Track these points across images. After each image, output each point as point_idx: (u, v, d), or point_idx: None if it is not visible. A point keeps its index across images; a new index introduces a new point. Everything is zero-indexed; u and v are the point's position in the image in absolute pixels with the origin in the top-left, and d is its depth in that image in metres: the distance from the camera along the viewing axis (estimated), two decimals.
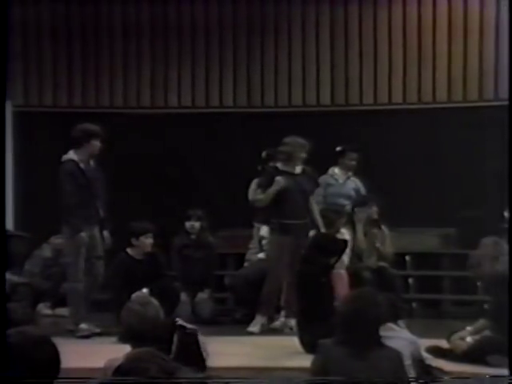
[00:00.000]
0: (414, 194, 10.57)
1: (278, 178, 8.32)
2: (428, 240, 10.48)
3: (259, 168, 9.60)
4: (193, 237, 9.43)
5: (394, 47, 11.01)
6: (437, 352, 6.81)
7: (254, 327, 8.37)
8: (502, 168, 10.36)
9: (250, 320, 8.85)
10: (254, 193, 8.65)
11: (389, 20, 11.00)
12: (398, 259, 9.64)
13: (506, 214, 10.33)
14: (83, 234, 8.06)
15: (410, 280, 9.95)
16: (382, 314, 4.69)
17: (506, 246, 7.22)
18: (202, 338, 4.34)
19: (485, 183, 10.48)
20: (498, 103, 10.55)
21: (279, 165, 8.46)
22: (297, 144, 8.41)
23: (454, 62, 10.85)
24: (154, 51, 11.34)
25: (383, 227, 9.31)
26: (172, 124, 11.12)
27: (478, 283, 9.40)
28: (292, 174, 8.45)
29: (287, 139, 8.47)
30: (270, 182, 8.35)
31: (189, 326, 4.41)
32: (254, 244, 9.51)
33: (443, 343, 7.08)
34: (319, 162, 8.87)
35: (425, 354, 6.38)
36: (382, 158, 10.38)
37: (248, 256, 9.52)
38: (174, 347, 4.37)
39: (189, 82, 11.33)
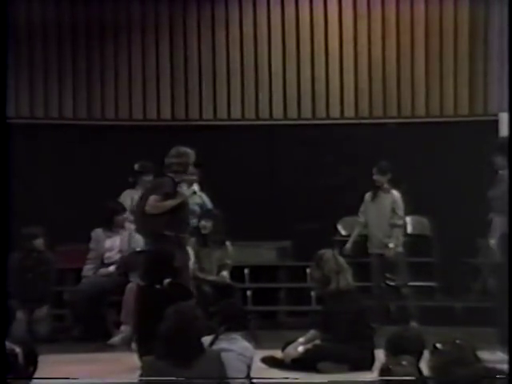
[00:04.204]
0: (250, 208, 10.79)
1: (182, 190, 8.18)
2: (265, 253, 10.72)
3: (130, 180, 9.60)
4: (33, 254, 9.28)
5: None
6: (271, 362, 7.02)
7: None
8: (336, 182, 10.79)
9: (89, 336, 8.81)
10: (152, 200, 8.12)
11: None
12: (238, 272, 9.82)
13: (340, 227, 10.75)
14: None
15: (249, 292, 10.14)
16: (200, 326, 4.98)
17: (342, 259, 7.50)
18: (21, 361, 4.34)
19: (319, 196, 10.83)
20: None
21: (172, 175, 8.16)
22: (190, 154, 8.23)
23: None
24: None
25: (226, 242, 9.46)
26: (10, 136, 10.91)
27: (313, 294, 9.72)
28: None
29: (180, 150, 8.19)
30: (173, 192, 8.08)
31: (9, 347, 4.38)
32: (91, 258, 9.42)
33: (279, 353, 7.27)
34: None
35: (260, 365, 6.58)
36: (220, 172, 10.54)
37: (85, 271, 9.42)
38: None
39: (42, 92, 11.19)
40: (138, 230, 8.64)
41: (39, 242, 9.30)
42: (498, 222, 7.48)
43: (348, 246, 9.56)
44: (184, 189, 8.16)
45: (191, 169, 8.32)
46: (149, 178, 9.64)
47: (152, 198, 8.06)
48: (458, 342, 4.24)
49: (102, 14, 11.17)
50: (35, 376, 4.44)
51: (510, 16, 8.60)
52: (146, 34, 11.25)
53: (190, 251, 8.88)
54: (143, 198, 8.23)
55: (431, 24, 11.00)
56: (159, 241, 7.91)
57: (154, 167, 9.66)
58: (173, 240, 7.98)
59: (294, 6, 11.11)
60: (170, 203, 8.01)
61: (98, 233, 9.48)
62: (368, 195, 9.66)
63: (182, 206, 8.11)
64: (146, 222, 8.16)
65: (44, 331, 8.97)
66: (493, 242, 7.49)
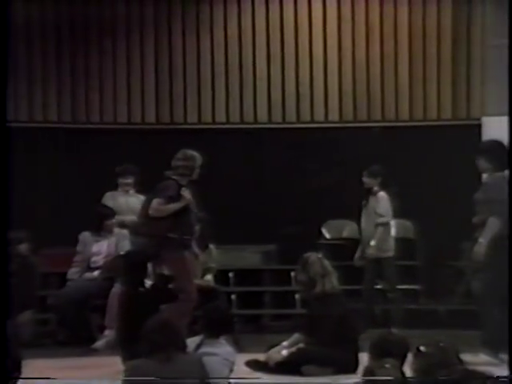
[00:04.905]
0: (235, 211, 10.80)
1: (186, 193, 8.12)
2: (250, 257, 10.74)
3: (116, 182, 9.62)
4: (17, 259, 9.23)
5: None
6: (255, 365, 7.03)
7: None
8: (321, 185, 10.83)
9: (73, 340, 8.79)
10: (155, 203, 8.13)
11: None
12: (222, 276, 9.83)
13: (324, 230, 10.78)
14: None
15: (233, 296, 10.15)
16: (177, 332, 5.23)
17: (327, 262, 7.51)
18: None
19: (304, 200, 10.85)
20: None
21: (177, 178, 8.18)
22: (196, 158, 8.26)
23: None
24: None
25: (210, 245, 9.46)
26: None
27: (297, 297, 9.75)
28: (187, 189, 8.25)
29: (187, 153, 8.23)
30: (177, 195, 8.09)
31: None
32: (77, 260, 9.39)
33: (263, 357, 7.28)
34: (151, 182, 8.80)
35: (244, 368, 6.60)
36: (205, 176, 10.54)
37: (70, 274, 9.40)
38: None
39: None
40: (143, 233, 8.54)
41: (23, 247, 9.25)
42: (492, 224, 7.51)
43: (357, 255, 9.56)
44: (187, 193, 8.13)
45: (197, 172, 8.32)
46: (127, 180, 9.68)
47: (155, 202, 8.10)
48: (441, 344, 4.27)
49: (86, 17, 11.17)
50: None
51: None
52: (131, 38, 11.26)
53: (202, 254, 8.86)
54: (147, 201, 8.28)
55: (414, 29, 11.06)
56: (163, 244, 7.95)
57: (134, 169, 9.70)
58: (177, 242, 8.02)
59: (278, 10, 11.14)
60: (174, 206, 8.04)
61: (85, 236, 9.46)
62: (363, 201, 9.65)
63: (187, 209, 8.12)
64: (150, 225, 8.18)
65: (28, 336, 8.93)
66: (483, 242, 7.51)
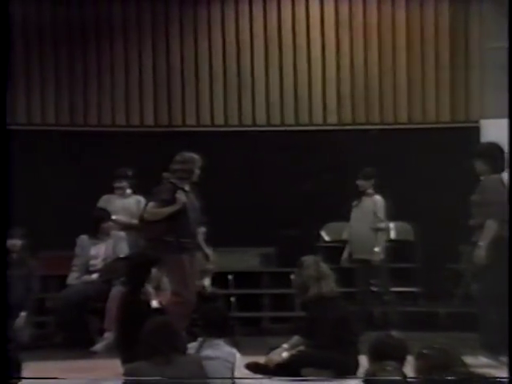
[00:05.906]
0: (234, 214, 10.80)
1: (180, 196, 8.09)
2: (249, 259, 10.75)
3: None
4: (13, 256, 9.21)
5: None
6: (255, 368, 7.03)
7: None
8: (320, 188, 10.84)
9: (72, 343, 8.78)
10: (149, 207, 8.20)
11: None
12: (221, 278, 9.83)
13: (323, 233, 10.79)
14: None
15: (233, 299, 10.15)
16: (176, 335, 5.41)
17: (325, 265, 7.50)
18: None
19: (303, 202, 10.85)
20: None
21: (175, 181, 8.18)
22: (195, 160, 8.24)
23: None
24: None
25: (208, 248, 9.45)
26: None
27: (298, 301, 9.74)
28: (186, 191, 8.21)
29: (185, 156, 8.22)
30: (171, 199, 8.08)
31: None
32: (76, 264, 9.39)
33: (263, 359, 7.27)
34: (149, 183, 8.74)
35: (244, 371, 6.60)
36: (203, 179, 10.55)
37: (70, 279, 9.36)
38: None
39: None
40: (142, 236, 8.64)
41: (15, 243, 9.17)
42: (490, 226, 7.53)
43: (345, 256, 9.57)
44: (181, 196, 8.11)
45: (198, 174, 8.28)
46: (121, 183, 9.70)
47: (149, 205, 8.16)
48: (444, 346, 4.27)
49: (83, 19, 11.17)
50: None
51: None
52: (129, 41, 11.26)
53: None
54: (146, 205, 8.32)
55: (413, 32, 11.08)
56: (159, 247, 7.95)
57: (127, 172, 9.70)
58: (173, 246, 8.01)
59: (276, 12, 11.16)
60: (167, 210, 8.04)
61: (83, 239, 9.45)
62: (354, 202, 9.69)
63: (182, 212, 8.09)
64: (145, 228, 8.22)
65: (25, 338, 8.91)
66: (482, 245, 7.53)
